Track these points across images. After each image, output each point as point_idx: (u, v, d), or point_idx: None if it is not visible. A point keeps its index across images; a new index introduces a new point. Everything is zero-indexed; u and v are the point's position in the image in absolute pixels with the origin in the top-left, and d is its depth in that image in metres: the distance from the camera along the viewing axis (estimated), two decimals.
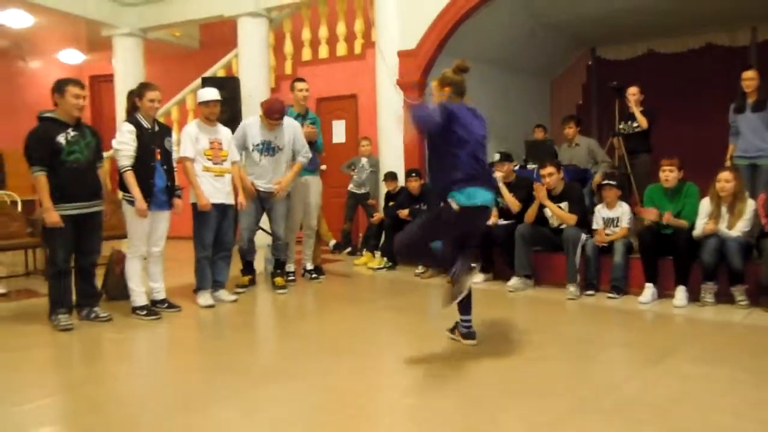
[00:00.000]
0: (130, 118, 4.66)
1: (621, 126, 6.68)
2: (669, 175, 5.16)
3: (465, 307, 3.81)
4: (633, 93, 6.57)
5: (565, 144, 7.20)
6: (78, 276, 4.61)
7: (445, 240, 3.77)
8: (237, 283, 5.57)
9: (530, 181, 6.05)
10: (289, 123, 5.56)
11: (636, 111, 6.49)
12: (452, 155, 3.47)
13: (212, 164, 5.01)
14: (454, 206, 3.40)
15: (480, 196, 3.47)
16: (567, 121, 7.29)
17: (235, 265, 5.57)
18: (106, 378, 3.50)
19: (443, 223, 3.53)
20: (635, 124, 6.55)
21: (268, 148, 5.42)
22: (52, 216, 4.26)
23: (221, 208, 5.06)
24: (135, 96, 4.67)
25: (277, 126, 5.42)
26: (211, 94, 5.06)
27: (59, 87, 4.33)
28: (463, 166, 3.47)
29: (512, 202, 5.88)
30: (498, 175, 6.01)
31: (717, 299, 4.89)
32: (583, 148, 6.99)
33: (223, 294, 5.24)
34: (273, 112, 5.34)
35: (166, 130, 4.85)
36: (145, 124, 4.65)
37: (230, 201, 5.13)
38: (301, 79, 6.10)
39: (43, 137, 4.26)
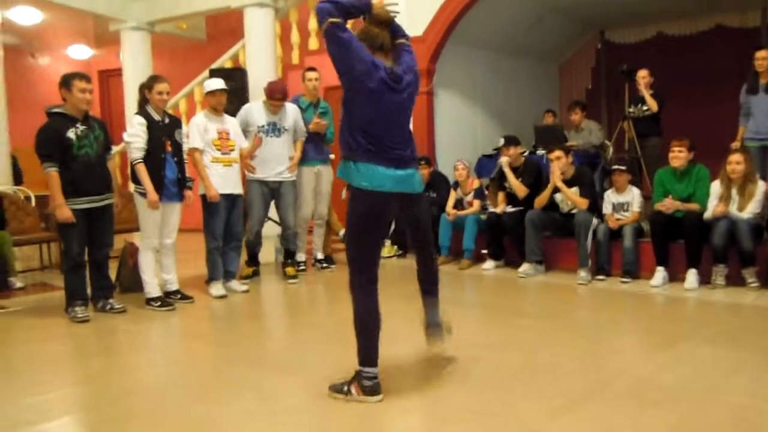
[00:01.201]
0: (141, 110, 4.70)
1: (631, 109, 6.66)
2: (679, 155, 5.15)
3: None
4: (643, 76, 6.54)
5: (572, 130, 7.18)
6: (92, 268, 4.66)
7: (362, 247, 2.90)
8: (241, 275, 5.61)
9: (539, 166, 6.05)
10: (292, 108, 5.68)
11: (646, 94, 6.46)
12: (346, 109, 2.83)
13: (220, 154, 5.05)
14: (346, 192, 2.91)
15: (377, 177, 2.76)
16: (573, 107, 7.28)
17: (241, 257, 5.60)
18: (123, 369, 3.56)
19: (349, 219, 2.86)
20: (645, 108, 6.52)
21: (275, 129, 5.49)
22: (65, 212, 4.31)
23: (230, 199, 5.10)
24: (145, 89, 4.71)
25: (281, 107, 5.51)
26: (217, 83, 5.11)
27: (66, 81, 4.37)
28: (354, 132, 2.78)
29: (518, 186, 5.88)
30: (504, 159, 6.02)
31: (728, 281, 4.89)
32: (588, 132, 6.97)
33: (235, 284, 5.29)
34: (275, 92, 5.48)
35: (176, 122, 4.89)
36: (156, 116, 4.68)
37: (239, 191, 5.17)
38: (312, 68, 6.12)
39: (53, 133, 4.31)
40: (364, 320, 2.85)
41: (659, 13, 9.05)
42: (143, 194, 4.60)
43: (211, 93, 5.07)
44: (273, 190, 5.55)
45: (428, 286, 3.26)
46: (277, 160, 5.49)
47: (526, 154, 6.30)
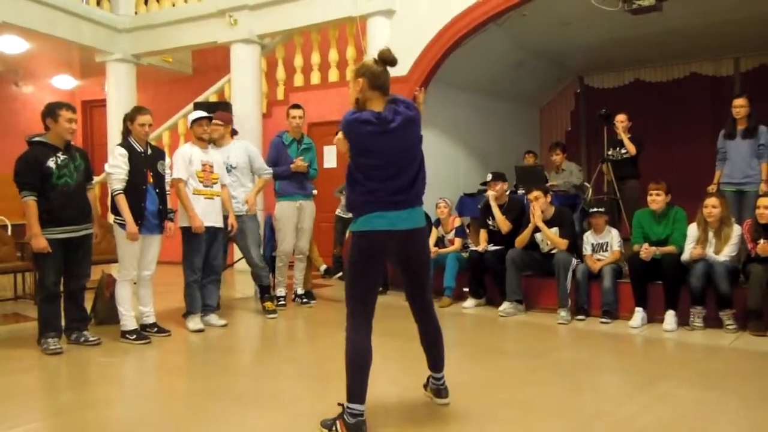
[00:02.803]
0: (123, 141, 4.69)
1: (610, 152, 6.79)
2: (656, 198, 5.25)
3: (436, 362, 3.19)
4: (621, 120, 6.70)
5: (553, 171, 7.31)
6: (67, 299, 4.58)
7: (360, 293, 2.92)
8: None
9: (522, 204, 6.12)
10: (242, 144, 5.70)
11: (624, 138, 6.60)
12: (347, 173, 2.94)
13: (203, 187, 5.04)
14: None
15: (371, 221, 2.85)
16: (554, 148, 7.46)
17: (223, 290, 5.54)
18: (95, 403, 3.46)
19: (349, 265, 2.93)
20: (624, 151, 6.67)
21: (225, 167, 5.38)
22: (40, 242, 4.25)
23: (211, 232, 5.07)
24: (128, 120, 4.71)
25: (221, 138, 5.51)
26: (199, 112, 5.18)
27: (51, 111, 4.34)
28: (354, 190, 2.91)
29: (503, 222, 5.94)
30: (490, 194, 6.09)
31: (706, 323, 4.93)
32: (569, 173, 7.10)
33: (213, 318, 5.22)
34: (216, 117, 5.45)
35: (159, 153, 4.88)
36: (138, 147, 4.67)
37: (220, 224, 5.14)
38: (297, 106, 6.17)
39: (33, 162, 4.26)
40: (354, 357, 2.82)
41: (636, 61, 9.34)
42: (123, 225, 4.55)
43: (196, 121, 5.09)
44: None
45: (433, 357, 3.15)
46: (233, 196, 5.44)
47: (507, 192, 6.38)
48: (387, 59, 2.93)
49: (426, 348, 3.15)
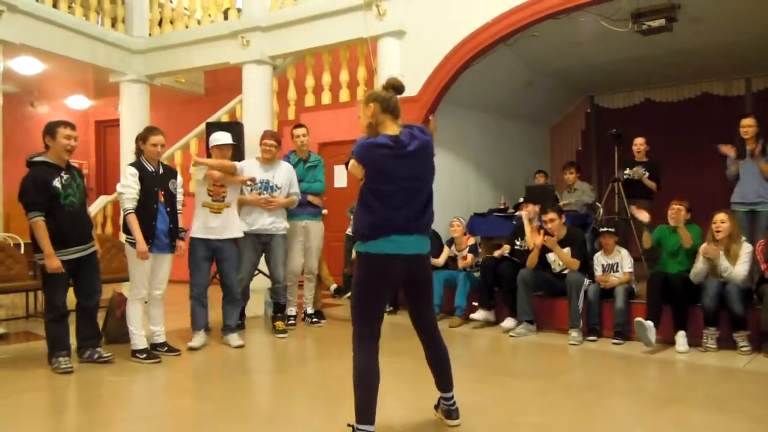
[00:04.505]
0: (135, 161, 4.74)
1: (627, 171, 6.77)
2: (678, 213, 5.27)
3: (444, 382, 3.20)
4: (640, 143, 6.72)
5: (566, 190, 7.30)
6: (80, 317, 4.61)
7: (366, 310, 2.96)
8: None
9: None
10: (287, 167, 5.71)
11: (646, 181, 6.64)
12: (359, 198, 2.98)
13: (211, 201, 5.10)
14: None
15: (379, 244, 2.89)
16: (568, 167, 7.46)
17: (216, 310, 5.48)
18: (105, 423, 3.46)
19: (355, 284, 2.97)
20: (643, 171, 6.65)
21: (267, 187, 5.50)
22: (54, 262, 4.26)
23: (211, 247, 5.08)
24: (140, 140, 4.76)
25: (272, 159, 5.56)
26: (225, 138, 5.24)
27: (50, 129, 4.36)
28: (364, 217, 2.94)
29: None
30: (523, 213, 6.11)
31: (719, 344, 4.87)
32: (581, 192, 7.09)
33: (231, 338, 5.16)
34: (265, 135, 5.63)
35: (171, 173, 4.92)
36: (150, 167, 4.72)
37: (223, 237, 5.11)
38: (300, 125, 6.22)
39: (40, 182, 4.26)
40: (361, 377, 2.84)
41: (646, 81, 9.35)
42: (134, 244, 4.58)
43: (219, 147, 5.18)
44: (264, 244, 5.55)
45: (441, 377, 3.16)
46: (268, 215, 5.50)
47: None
48: (395, 86, 3.00)
49: (433, 368, 3.16)
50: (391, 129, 2.95)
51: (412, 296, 3.08)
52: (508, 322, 5.68)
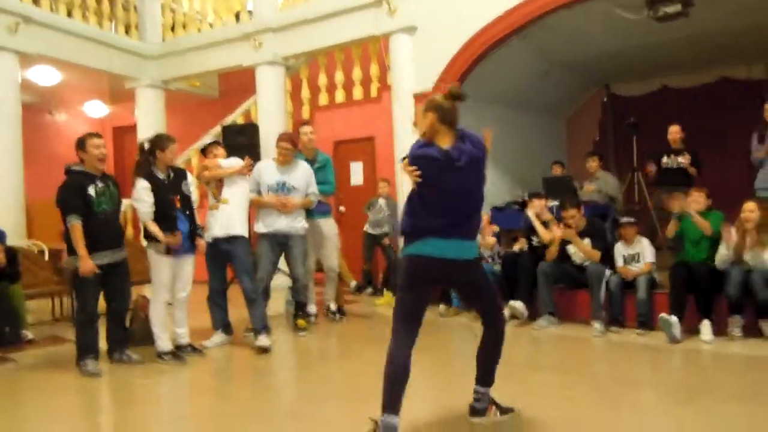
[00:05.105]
0: (145, 171, 4.67)
1: (664, 160, 6.68)
2: (698, 199, 5.24)
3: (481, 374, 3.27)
4: (675, 131, 6.62)
5: (587, 180, 7.22)
6: (111, 321, 4.72)
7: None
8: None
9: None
10: (304, 166, 5.66)
11: (688, 167, 6.50)
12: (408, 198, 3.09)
13: (213, 200, 5.16)
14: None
15: (419, 245, 2.99)
16: (590, 155, 7.37)
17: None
18: (132, 424, 3.51)
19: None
20: (680, 159, 6.54)
21: (283, 188, 5.47)
22: (88, 264, 4.36)
23: (221, 249, 5.07)
24: (156, 148, 4.69)
25: (290, 160, 5.51)
26: (207, 141, 5.42)
27: (81, 143, 4.51)
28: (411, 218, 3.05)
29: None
30: (529, 212, 6.07)
31: (744, 333, 4.81)
32: (602, 182, 7.01)
33: (261, 339, 5.02)
34: (281, 137, 5.59)
35: (182, 175, 4.90)
36: (161, 175, 4.71)
37: (228, 233, 5.06)
38: (306, 123, 6.21)
39: (77, 187, 4.42)
40: (392, 371, 2.92)
41: (663, 67, 9.21)
42: (155, 247, 4.63)
43: (203, 152, 5.41)
44: (281, 244, 5.55)
45: (477, 368, 3.24)
46: (285, 215, 5.50)
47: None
48: (456, 95, 3.04)
49: (476, 357, 3.23)
50: (446, 140, 2.99)
51: (464, 298, 3.29)
52: (517, 304, 5.62)
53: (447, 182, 2.93)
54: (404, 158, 3.03)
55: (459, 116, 3.03)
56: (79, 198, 4.39)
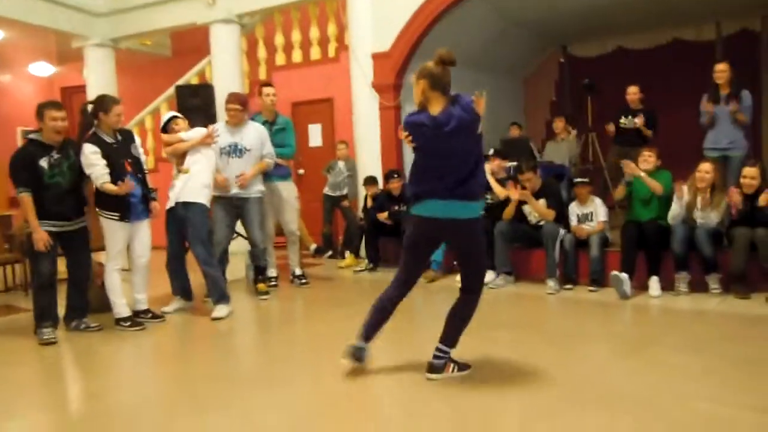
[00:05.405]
0: (91, 136, 4.51)
1: (622, 120, 6.79)
2: (648, 159, 5.37)
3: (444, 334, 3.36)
4: (633, 92, 6.71)
5: (551, 141, 7.31)
6: (70, 288, 4.65)
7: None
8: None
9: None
10: (257, 127, 5.55)
11: (643, 128, 6.59)
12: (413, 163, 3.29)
13: (176, 171, 5.08)
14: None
15: (423, 206, 3.18)
16: (557, 116, 7.45)
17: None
18: (94, 391, 3.50)
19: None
20: (636, 120, 6.65)
21: (235, 150, 5.37)
22: (41, 235, 4.28)
23: (176, 215, 4.98)
24: (99, 111, 4.52)
25: (240, 122, 5.40)
26: (166, 118, 5.29)
27: (39, 111, 4.35)
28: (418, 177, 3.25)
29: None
30: (487, 167, 6.09)
31: (691, 288, 5.03)
32: (568, 145, 7.12)
33: (218, 309, 4.98)
34: (230, 98, 5.44)
35: (129, 137, 4.77)
36: (108, 138, 4.55)
37: (180, 200, 4.95)
38: (268, 84, 6.07)
39: (26, 160, 4.30)
40: (381, 300, 3.36)
41: (618, 27, 9.31)
42: (108, 217, 4.54)
43: (166, 129, 5.21)
44: (237, 207, 5.48)
45: (444, 328, 3.34)
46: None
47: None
48: (447, 60, 3.13)
49: (446, 317, 3.35)
50: (437, 106, 3.11)
51: (455, 256, 3.51)
52: (488, 275, 5.74)
53: (437, 148, 3.09)
54: (400, 128, 3.23)
55: (450, 81, 3.15)
56: (28, 170, 4.27)
